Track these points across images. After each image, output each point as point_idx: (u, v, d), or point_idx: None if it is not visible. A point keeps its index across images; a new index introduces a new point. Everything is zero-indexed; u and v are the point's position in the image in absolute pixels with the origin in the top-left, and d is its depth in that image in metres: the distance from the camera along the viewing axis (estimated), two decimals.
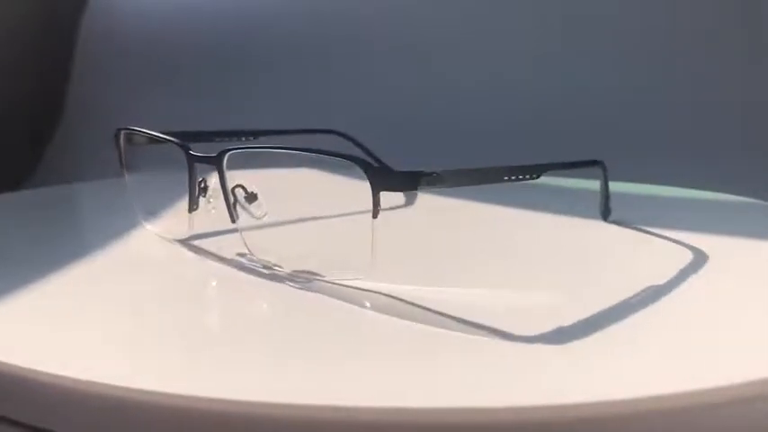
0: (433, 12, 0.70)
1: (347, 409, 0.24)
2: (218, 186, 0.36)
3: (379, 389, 0.26)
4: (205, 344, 0.29)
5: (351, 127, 0.49)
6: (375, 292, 0.33)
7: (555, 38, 0.67)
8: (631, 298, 0.33)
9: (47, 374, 0.26)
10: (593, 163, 0.43)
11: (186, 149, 0.36)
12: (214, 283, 0.36)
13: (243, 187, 0.36)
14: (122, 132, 0.40)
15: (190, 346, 0.29)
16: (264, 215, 0.37)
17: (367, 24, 0.72)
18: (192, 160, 0.37)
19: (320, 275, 0.34)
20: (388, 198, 0.33)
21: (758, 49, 0.62)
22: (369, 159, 0.34)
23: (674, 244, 0.40)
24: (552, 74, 0.66)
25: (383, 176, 0.32)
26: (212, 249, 0.38)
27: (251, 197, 0.36)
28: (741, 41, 0.63)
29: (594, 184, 0.44)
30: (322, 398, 0.25)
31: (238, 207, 0.36)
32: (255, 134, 0.45)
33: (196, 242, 0.39)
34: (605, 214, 0.44)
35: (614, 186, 0.43)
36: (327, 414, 0.24)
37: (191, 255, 0.38)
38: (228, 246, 0.37)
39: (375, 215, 0.32)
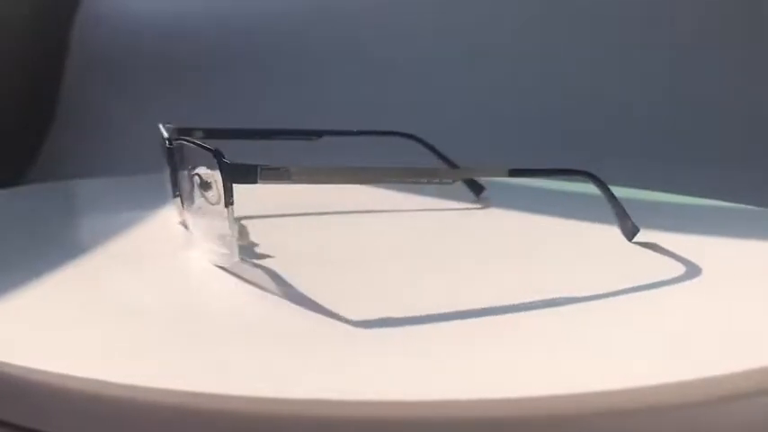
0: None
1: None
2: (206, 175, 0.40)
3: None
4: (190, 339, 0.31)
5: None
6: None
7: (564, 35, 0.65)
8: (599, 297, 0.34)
9: (31, 370, 0.27)
10: (574, 172, 0.41)
11: (165, 142, 0.43)
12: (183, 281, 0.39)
13: (200, 176, 0.42)
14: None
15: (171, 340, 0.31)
16: (218, 202, 0.43)
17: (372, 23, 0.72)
18: (168, 152, 0.43)
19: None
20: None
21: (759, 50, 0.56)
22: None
23: (663, 251, 0.39)
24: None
25: (230, 169, 0.36)
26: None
27: (205, 185, 0.42)
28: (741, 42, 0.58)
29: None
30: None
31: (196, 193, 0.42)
32: (320, 134, 0.50)
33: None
34: (629, 233, 0.41)
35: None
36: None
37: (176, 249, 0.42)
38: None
39: (226, 205, 0.37)
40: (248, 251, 0.41)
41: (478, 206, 0.49)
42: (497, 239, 0.43)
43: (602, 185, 0.40)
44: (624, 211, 0.41)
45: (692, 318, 0.32)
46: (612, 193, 0.41)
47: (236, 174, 0.36)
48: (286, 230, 0.45)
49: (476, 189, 0.50)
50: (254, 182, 0.36)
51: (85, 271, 0.38)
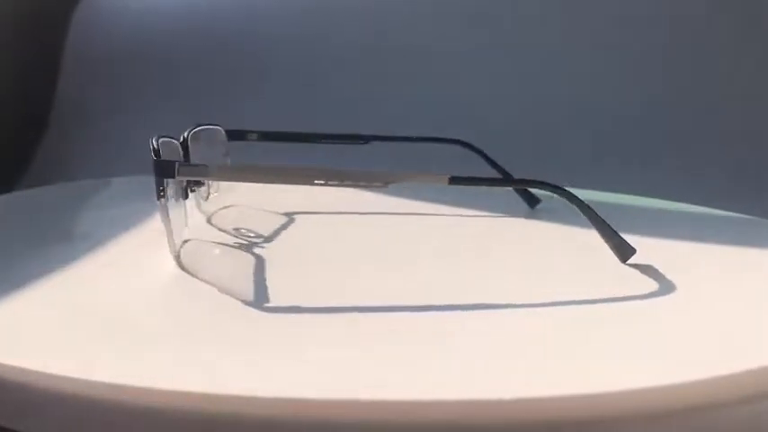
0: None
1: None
2: None
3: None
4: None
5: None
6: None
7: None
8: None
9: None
10: (533, 183, 0.37)
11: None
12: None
13: None
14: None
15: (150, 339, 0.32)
16: (208, 197, 0.44)
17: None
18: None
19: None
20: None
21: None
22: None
23: (657, 260, 0.38)
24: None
25: (155, 165, 0.38)
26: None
27: (196, 183, 0.44)
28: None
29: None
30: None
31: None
32: (367, 138, 0.49)
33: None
34: (623, 253, 0.37)
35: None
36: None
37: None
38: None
39: (158, 198, 0.38)
40: (254, 243, 0.42)
41: (502, 215, 0.46)
42: (500, 245, 0.42)
43: (576, 200, 0.36)
44: (597, 214, 0.37)
45: (681, 323, 0.31)
46: (588, 207, 0.36)
47: (160, 169, 0.37)
48: (297, 227, 0.45)
49: (531, 201, 0.47)
50: (173, 176, 0.36)
51: (70, 272, 0.39)
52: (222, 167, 0.37)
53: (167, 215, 0.38)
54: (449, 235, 0.44)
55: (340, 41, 0.71)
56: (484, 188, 0.45)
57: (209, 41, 0.74)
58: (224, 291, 0.35)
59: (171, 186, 0.39)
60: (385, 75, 0.69)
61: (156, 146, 0.37)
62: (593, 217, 0.36)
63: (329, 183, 0.36)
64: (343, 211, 0.48)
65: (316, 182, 0.36)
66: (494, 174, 0.47)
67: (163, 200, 0.37)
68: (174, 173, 0.36)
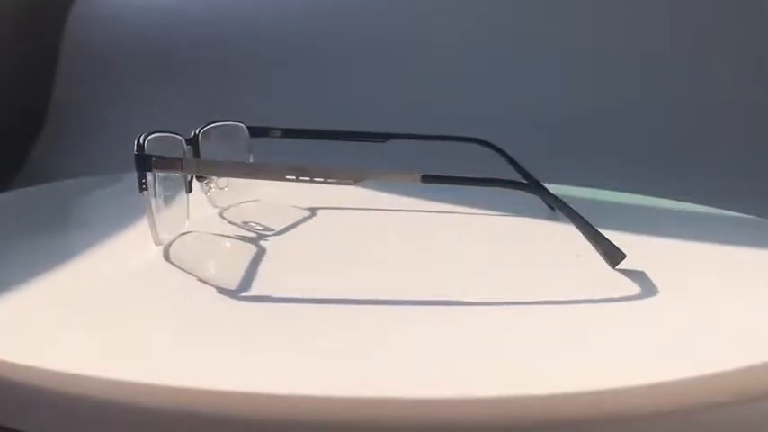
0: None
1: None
2: None
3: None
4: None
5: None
6: None
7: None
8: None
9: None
10: (498, 182, 0.36)
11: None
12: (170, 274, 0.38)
13: None
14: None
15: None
16: (209, 191, 0.44)
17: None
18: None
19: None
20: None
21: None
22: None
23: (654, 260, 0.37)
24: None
25: (135, 159, 0.38)
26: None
27: (199, 177, 0.44)
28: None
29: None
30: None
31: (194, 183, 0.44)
32: (387, 137, 0.48)
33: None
34: (613, 258, 0.36)
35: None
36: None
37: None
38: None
39: (140, 191, 0.39)
40: (260, 237, 0.42)
41: (515, 215, 0.45)
42: (501, 245, 0.41)
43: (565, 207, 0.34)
44: (584, 219, 0.36)
45: (680, 322, 0.31)
46: (579, 216, 0.35)
47: (139, 163, 0.37)
48: (309, 223, 0.45)
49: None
50: (149, 170, 0.37)
51: (68, 269, 0.39)
52: (198, 162, 0.37)
53: (150, 208, 0.38)
54: (453, 233, 0.43)
55: (340, 40, 0.70)
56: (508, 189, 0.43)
57: (209, 37, 0.74)
58: (208, 283, 0.35)
59: (174, 181, 0.39)
60: (385, 74, 0.68)
61: (141, 141, 0.38)
62: (579, 222, 0.34)
63: (300, 179, 0.35)
64: (363, 207, 0.47)
65: (287, 177, 0.35)
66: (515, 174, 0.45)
67: (146, 192, 0.37)
68: (151, 166, 0.36)
